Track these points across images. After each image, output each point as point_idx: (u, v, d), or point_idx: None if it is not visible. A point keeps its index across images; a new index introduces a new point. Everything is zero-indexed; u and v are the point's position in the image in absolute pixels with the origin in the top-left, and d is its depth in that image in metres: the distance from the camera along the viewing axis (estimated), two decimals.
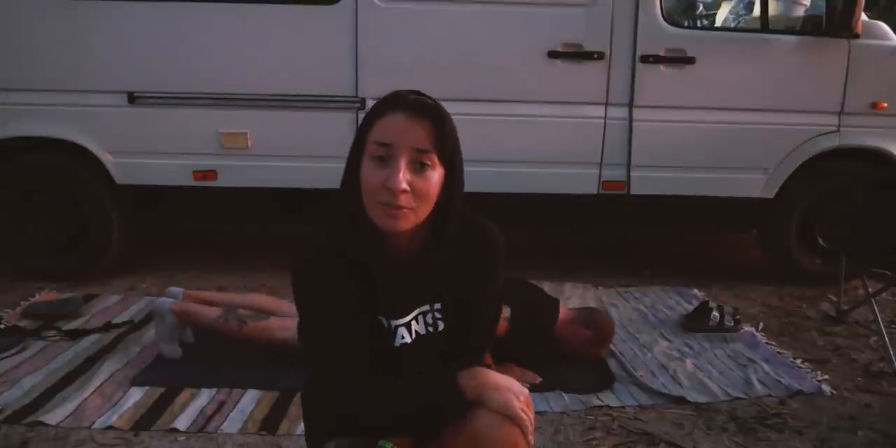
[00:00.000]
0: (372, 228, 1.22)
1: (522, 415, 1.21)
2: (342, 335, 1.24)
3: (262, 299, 2.83)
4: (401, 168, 1.16)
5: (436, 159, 1.19)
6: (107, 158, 3.34)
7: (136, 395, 2.34)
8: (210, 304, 2.71)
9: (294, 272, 1.27)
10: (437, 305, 1.34)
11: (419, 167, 1.18)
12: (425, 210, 1.21)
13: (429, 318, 1.34)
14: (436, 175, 1.20)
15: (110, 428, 2.14)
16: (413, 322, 1.33)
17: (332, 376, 1.25)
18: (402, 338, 1.32)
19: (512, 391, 1.22)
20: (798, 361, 2.72)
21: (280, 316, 2.64)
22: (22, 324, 2.89)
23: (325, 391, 1.30)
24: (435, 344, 1.35)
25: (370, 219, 1.20)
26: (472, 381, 1.22)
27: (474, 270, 1.33)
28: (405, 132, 1.17)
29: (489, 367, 1.42)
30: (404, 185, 1.16)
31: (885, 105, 3.40)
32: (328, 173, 2.97)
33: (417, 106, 1.20)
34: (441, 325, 1.35)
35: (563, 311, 2.68)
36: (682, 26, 3.54)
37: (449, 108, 1.25)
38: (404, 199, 1.16)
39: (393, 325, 1.31)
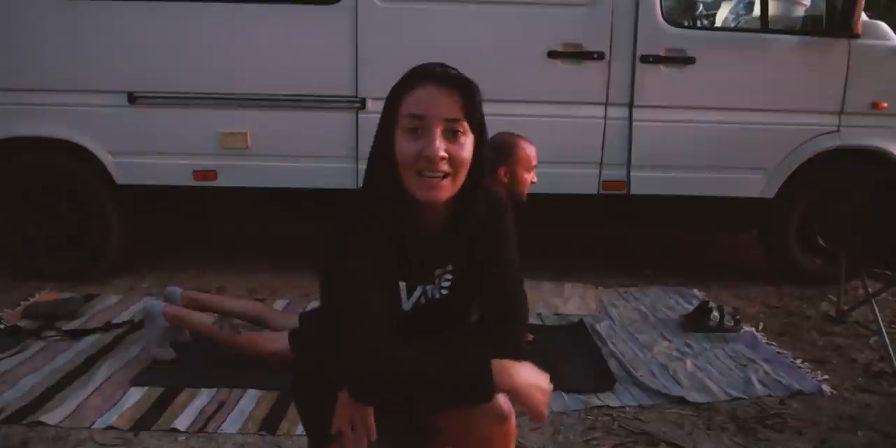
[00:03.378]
0: (406, 198, 1.24)
1: (546, 412, 1.25)
2: (369, 306, 1.23)
3: (256, 307, 2.83)
4: (437, 137, 1.20)
5: (467, 127, 1.23)
6: (107, 158, 3.34)
7: (135, 395, 2.34)
8: (205, 307, 2.70)
9: (328, 243, 1.27)
10: (449, 267, 1.36)
11: (452, 135, 1.22)
12: (461, 177, 1.24)
13: (441, 282, 1.36)
14: (468, 142, 1.24)
15: (110, 428, 2.14)
16: (430, 285, 1.36)
17: (352, 345, 1.22)
18: (420, 300, 1.35)
19: (542, 390, 1.25)
20: (798, 361, 2.72)
21: (272, 326, 2.64)
22: (22, 324, 2.89)
23: (342, 361, 1.25)
24: (443, 307, 1.36)
25: (406, 190, 1.23)
26: (506, 376, 1.22)
27: (484, 232, 1.35)
28: (437, 103, 1.21)
29: None
30: (442, 152, 1.20)
31: (885, 105, 3.40)
32: (328, 173, 3.01)
33: (446, 77, 1.23)
34: (448, 289, 1.37)
35: None
36: (682, 26, 3.54)
37: None
38: (443, 166, 1.20)
39: (412, 289, 1.33)
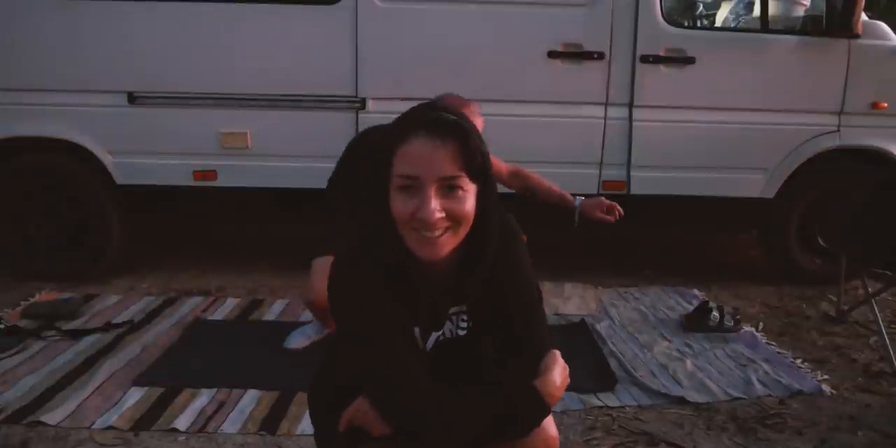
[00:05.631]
0: (408, 253, 1.17)
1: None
2: (396, 352, 1.17)
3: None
4: (430, 197, 1.10)
5: (466, 180, 1.13)
6: (107, 158, 3.34)
7: (136, 395, 2.34)
8: None
9: (335, 290, 1.21)
10: (464, 307, 1.30)
11: (449, 190, 1.12)
12: (464, 229, 1.16)
13: (459, 322, 1.31)
14: (469, 195, 1.14)
15: (110, 428, 2.14)
16: (448, 322, 1.30)
17: (392, 392, 1.17)
18: (439, 339, 1.29)
19: (566, 379, 1.25)
20: (798, 361, 2.72)
21: None
22: (22, 324, 2.89)
23: (381, 406, 1.21)
24: (463, 345, 1.31)
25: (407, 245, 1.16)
26: (553, 390, 1.21)
27: (497, 266, 1.25)
28: (429, 160, 1.10)
29: None
30: (438, 214, 1.11)
31: (885, 105, 3.40)
32: (328, 173, 2.98)
33: (437, 126, 1.11)
34: (467, 326, 1.31)
35: None
36: (682, 26, 3.54)
37: None
38: (441, 224, 1.12)
39: (426, 334, 1.28)
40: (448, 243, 1.14)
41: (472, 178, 1.14)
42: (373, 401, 1.21)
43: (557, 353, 1.28)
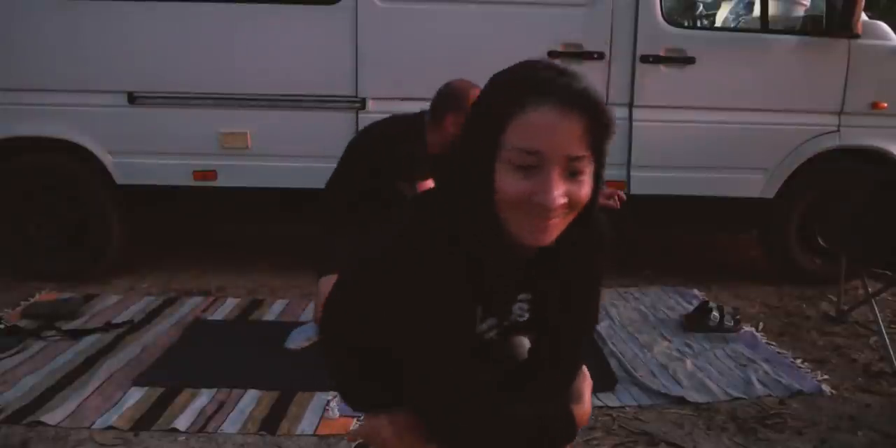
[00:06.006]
0: (503, 236, 1.01)
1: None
2: (459, 351, 1.04)
3: None
4: (554, 180, 0.94)
5: (588, 161, 0.97)
6: (107, 158, 3.34)
7: (136, 395, 2.34)
8: None
9: (400, 271, 1.03)
10: (529, 296, 1.17)
11: (572, 173, 0.96)
12: (574, 214, 1.01)
13: (517, 310, 1.18)
14: (588, 177, 0.98)
15: (110, 428, 2.15)
16: (507, 313, 1.19)
17: (442, 392, 1.06)
18: (499, 324, 1.17)
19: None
20: (798, 361, 2.72)
21: None
22: (22, 324, 2.89)
23: (426, 407, 1.10)
24: (519, 332, 1.24)
25: (504, 226, 1.00)
26: (585, 414, 1.18)
27: (576, 263, 1.13)
28: (556, 135, 0.93)
29: None
30: (561, 201, 0.95)
31: (885, 105, 3.40)
32: (328, 173, 3.00)
33: (570, 94, 0.93)
34: (523, 318, 1.19)
35: None
36: (682, 26, 3.54)
37: None
38: (561, 210, 0.97)
39: (486, 316, 1.14)
40: (558, 228, 0.99)
41: (595, 159, 0.98)
42: (419, 404, 1.11)
43: (587, 373, 1.24)
